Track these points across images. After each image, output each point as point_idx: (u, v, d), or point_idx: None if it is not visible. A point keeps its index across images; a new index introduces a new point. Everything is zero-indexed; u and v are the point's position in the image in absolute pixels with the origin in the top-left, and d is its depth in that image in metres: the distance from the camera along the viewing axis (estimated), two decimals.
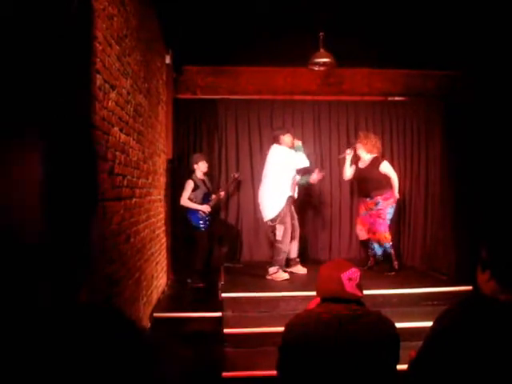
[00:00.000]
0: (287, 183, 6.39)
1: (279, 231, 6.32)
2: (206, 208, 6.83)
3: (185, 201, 6.80)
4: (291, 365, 2.34)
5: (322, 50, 6.40)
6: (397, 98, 8.27)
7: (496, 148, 6.88)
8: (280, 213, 6.31)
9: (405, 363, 2.25)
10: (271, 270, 6.37)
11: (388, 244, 6.65)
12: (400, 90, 8.23)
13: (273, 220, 6.36)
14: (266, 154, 8.01)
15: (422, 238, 8.20)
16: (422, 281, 6.35)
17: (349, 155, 6.86)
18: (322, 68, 6.77)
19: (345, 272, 2.41)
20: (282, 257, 6.41)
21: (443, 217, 8.09)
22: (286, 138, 6.52)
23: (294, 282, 6.26)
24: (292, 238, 6.60)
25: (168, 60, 6.98)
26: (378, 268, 6.77)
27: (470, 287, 5.43)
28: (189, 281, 6.79)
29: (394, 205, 6.68)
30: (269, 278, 6.37)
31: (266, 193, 6.43)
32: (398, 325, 2.48)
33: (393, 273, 6.62)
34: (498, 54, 6.44)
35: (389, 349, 2.30)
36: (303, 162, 6.43)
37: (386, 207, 6.60)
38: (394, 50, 6.91)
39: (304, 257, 7.71)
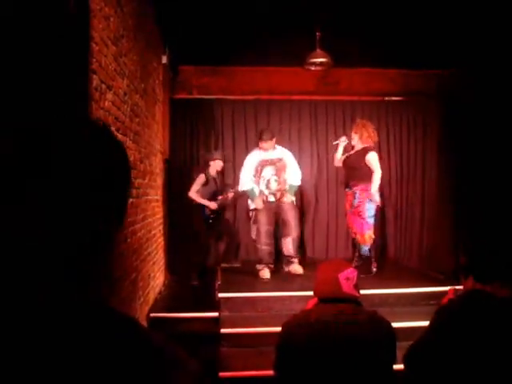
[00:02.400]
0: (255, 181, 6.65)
1: (253, 230, 6.62)
2: (212, 204, 6.81)
3: (192, 193, 6.78)
4: (288, 365, 2.34)
5: (318, 50, 6.40)
6: (394, 98, 8.27)
7: (495, 148, 6.88)
8: (252, 211, 6.66)
9: (401, 363, 2.26)
10: (258, 266, 6.56)
11: (366, 246, 6.40)
12: (397, 90, 8.23)
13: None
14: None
15: (420, 237, 8.21)
16: (419, 280, 6.35)
17: (343, 142, 6.65)
18: (318, 68, 6.77)
19: (342, 272, 2.41)
20: (262, 254, 6.53)
21: (441, 216, 8.10)
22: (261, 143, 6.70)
23: (290, 282, 6.26)
24: (285, 235, 6.61)
25: (164, 60, 6.96)
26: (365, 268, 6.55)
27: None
28: (192, 282, 6.80)
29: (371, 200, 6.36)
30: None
31: None
32: (395, 324, 2.48)
33: (371, 274, 6.38)
34: (497, 53, 6.44)
35: (385, 348, 2.31)
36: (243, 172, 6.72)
37: (363, 202, 6.28)
38: (392, 50, 6.91)
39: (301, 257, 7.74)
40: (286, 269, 6.67)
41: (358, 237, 6.44)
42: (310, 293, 2.58)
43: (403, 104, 8.30)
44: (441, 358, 1.97)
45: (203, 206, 6.81)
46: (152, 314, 5.43)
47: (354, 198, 6.40)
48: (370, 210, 6.33)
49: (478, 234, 2.19)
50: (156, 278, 6.28)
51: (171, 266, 7.41)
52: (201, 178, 6.82)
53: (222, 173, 7.20)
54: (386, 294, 5.70)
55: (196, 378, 0.81)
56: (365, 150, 6.42)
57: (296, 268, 6.60)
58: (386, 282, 6.14)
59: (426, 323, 2.16)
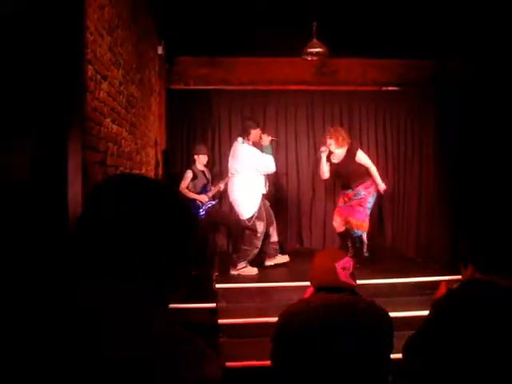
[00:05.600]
0: (261, 182, 6.31)
1: (259, 227, 6.18)
2: (203, 198, 6.84)
3: (182, 189, 6.81)
4: (285, 354, 2.34)
5: (315, 40, 6.36)
6: (391, 88, 8.25)
7: (490, 137, 6.89)
8: (257, 210, 6.19)
9: (398, 352, 2.26)
10: (240, 264, 6.17)
11: (364, 232, 6.56)
12: (394, 80, 8.21)
13: (250, 219, 6.18)
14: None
15: (416, 226, 8.21)
16: (416, 270, 6.36)
17: (324, 153, 6.64)
18: (315, 58, 6.72)
19: (339, 261, 2.41)
20: (255, 252, 6.26)
21: (438, 206, 8.11)
22: (256, 134, 6.33)
23: (288, 272, 6.28)
24: (271, 223, 6.47)
25: (160, 51, 6.92)
26: (361, 258, 6.57)
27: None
28: (190, 272, 6.82)
29: (375, 193, 6.58)
30: (235, 272, 6.15)
31: (241, 191, 6.27)
32: (392, 314, 2.48)
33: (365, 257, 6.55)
34: (492, 44, 6.44)
35: (382, 338, 2.31)
36: (270, 167, 6.26)
37: (368, 196, 6.50)
38: (389, 40, 6.89)
39: (299, 247, 7.79)
40: (272, 262, 6.50)
41: (357, 223, 6.51)
42: (307, 283, 2.58)
43: (400, 94, 8.28)
44: (441, 349, 1.97)
45: (192, 201, 6.84)
46: None
47: (356, 194, 6.51)
48: (370, 203, 6.55)
49: (479, 223, 2.19)
50: None
51: None
52: (188, 174, 6.89)
53: (207, 166, 7.18)
54: (382, 283, 5.71)
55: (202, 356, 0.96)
56: (351, 153, 6.55)
57: (281, 258, 6.57)
58: (382, 271, 6.15)
59: (422, 313, 2.16)
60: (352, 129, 8.27)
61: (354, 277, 2.44)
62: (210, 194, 6.97)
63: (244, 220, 6.25)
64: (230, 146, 8.11)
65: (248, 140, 6.30)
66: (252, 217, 6.18)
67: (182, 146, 7.98)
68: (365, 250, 6.65)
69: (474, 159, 7.19)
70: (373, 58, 8.00)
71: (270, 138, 6.43)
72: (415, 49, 7.27)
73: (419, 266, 6.92)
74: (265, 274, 6.25)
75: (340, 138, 6.54)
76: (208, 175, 7.11)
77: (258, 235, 6.20)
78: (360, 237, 6.61)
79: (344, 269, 2.39)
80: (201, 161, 6.99)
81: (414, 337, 2.16)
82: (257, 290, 5.63)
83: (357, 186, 6.51)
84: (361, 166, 6.51)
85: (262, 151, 6.28)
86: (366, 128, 8.29)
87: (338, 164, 6.65)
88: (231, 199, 6.47)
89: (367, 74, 8.25)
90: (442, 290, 2.18)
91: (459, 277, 2.19)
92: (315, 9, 5.77)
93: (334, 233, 8.20)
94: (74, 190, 2.67)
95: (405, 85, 8.19)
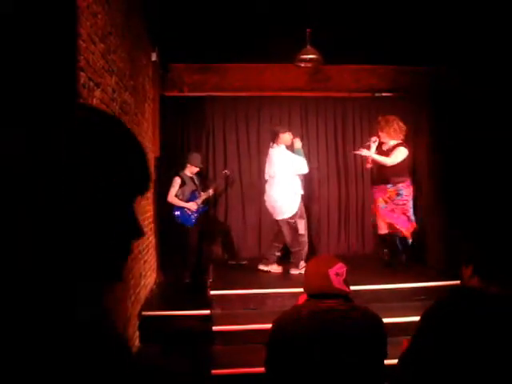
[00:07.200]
0: (298, 183, 6.62)
1: (301, 225, 6.55)
2: (192, 206, 6.81)
3: (171, 198, 6.77)
4: (279, 361, 2.33)
5: (308, 47, 6.38)
6: (384, 94, 8.27)
7: (483, 142, 6.89)
8: (298, 209, 6.50)
9: (393, 358, 2.25)
10: (301, 264, 6.33)
11: (409, 240, 6.62)
12: (387, 86, 8.23)
13: (293, 217, 6.48)
14: (253, 151, 8.08)
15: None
16: (411, 275, 6.35)
17: (374, 144, 6.57)
18: (308, 64, 6.75)
19: (332, 267, 2.40)
20: (306, 249, 6.65)
21: (432, 211, 8.10)
22: (286, 137, 6.59)
23: (282, 279, 6.27)
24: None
25: (154, 57, 6.93)
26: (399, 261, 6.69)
27: (459, 281, 5.43)
28: (184, 279, 6.80)
29: (412, 195, 6.57)
30: (296, 272, 6.31)
31: (281, 193, 6.48)
32: (386, 320, 2.48)
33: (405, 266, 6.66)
34: (486, 50, 6.45)
35: (376, 344, 2.31)
36: (303, 168, 6.59)
37: (409, 199, 6.49)
38: (382, 46, 6.91)
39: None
40: (265, 268, 6.65)
41: (406, 233, 6.52)
42: (301, 289, 2.57)
43: (393, 100, 8.29)
44: (430, 361, 1.96)
45: (182, 209, 6.81)
46: (144, 313, 5.41)
47: (398, 194, 6.48)
48: (411, 207, 6.56)
49: (474, 225, 2.18)
50: (147, 277, 6.26)
51: (163, 264, 7.39)
52: (176, 181, 6.83)
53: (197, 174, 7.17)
54: (377, 289, 5.71)
55: None
56: (396, 146, 6.58)
57: (277, 268, 6.74)
58: (377, 277, 6.15)
59: (417, 319, 2.15)
60: (346, 135, 8.30)
61: (347, 283, 2.43)
62: (199, 200, 6.93)
63: (286, 220, 6.51)
64: (224, 151, 8.16)
65: (278, 144, 6.55)
66: (294, 215, 6.48)
67: (176, 152, 7.97)
68: (403, 257, 6.71)
69: (469, 163, 7.19)
70: (366, 64, 8.02)
71: (301, 142, 6.79)
72: (408, 54, 7.30)
73: (414, 271, 6.90)
74: (259, 280, 6.24)
75: (391, 130, 6.56)
76: (197, 181, 7.06)
77: (301, 232, 6.55)
78: (406, 242, 6.66)
79: (337, 275, 2.39)
80: (191, 170, 6.96)
81: (405, 353, 2.15)
82: (251, 296, 5.61)
83: (397, 183, 6.47)
84: (404, 160, 6.53)
85: (294, 153, 6.62)
86: (359, 134, 8.30)
87: (383, 152, 6.60)
88: (269, 204, 6.65)
89: (360, 81, 8.27)
90: (404, 348, 2.17)
91: (453, 282, 2.19)
92: (309, 15, 5.80)
93: (328, 239, 8.24)
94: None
95: (398, 90, 8.21)
